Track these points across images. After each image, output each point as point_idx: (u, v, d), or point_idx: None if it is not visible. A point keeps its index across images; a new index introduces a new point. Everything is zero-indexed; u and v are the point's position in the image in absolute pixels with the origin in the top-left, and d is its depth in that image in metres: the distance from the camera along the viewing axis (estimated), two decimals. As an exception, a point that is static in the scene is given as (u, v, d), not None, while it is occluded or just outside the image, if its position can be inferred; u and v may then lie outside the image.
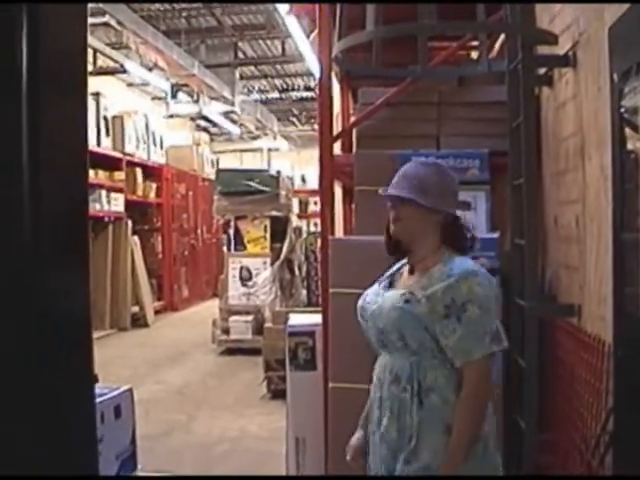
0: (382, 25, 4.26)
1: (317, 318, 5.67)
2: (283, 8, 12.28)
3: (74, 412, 1.59)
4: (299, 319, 6.40)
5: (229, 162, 24.20)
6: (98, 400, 3.80)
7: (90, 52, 14.93)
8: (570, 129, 4.48)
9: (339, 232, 6.58)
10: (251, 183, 12.14)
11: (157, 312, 15.77)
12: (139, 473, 4.65)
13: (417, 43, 4.81)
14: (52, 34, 1.51)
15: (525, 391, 4.46)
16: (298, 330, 5.93)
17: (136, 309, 14.79)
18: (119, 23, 13.06)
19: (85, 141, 1.69)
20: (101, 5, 11.83)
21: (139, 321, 14.75)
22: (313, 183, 18.10)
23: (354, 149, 6.07)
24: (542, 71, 4.95)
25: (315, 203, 19.44)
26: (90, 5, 11.45)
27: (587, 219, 4.15)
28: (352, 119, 6.60)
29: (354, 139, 6.18)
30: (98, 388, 1.90)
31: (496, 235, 4.81)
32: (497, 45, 6.13)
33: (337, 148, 6.06)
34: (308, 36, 12.30)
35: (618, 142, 3.26)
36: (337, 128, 6.36)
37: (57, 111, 1.54)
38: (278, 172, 12.89)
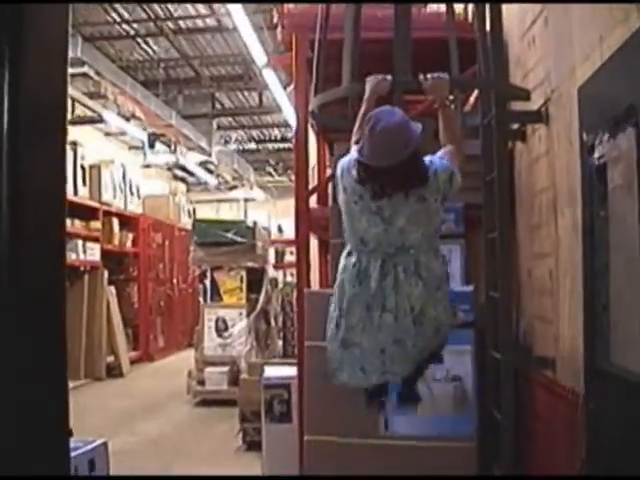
0: (358, 80, 4.32)
1: (293, 370, 5.68)
2: (260, 61, 12.40)
3: (48, 467, 1.59)
4: (275, 371, 6.40)
5: (206, 212, 24.20)
6: (72, 454, 3.78)
7: (68, 102, 14.96)
8: (543, 183, 4.54)
9: (315, 284, 6.60)
10: (227, 234, 12.14)
11: (132, 362, 15.64)
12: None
13: (393, 97, 4.88)
14: (33, 85, 1.53)
15: (501, 443, 4.47)
16: (274, 382, 5.93)
17: (111, 359, 14.66)
18: (97, 73, 13.11)
19: (64, 190, 1.72)
20: (80, 55, 11.87)
21: (114, 371, 14.62)
22: (290, 233, 18.13)
23: (330, 202, 6.12)
24: (515, 126, 5.02)
25: (291, 253, 19.39)
26: (69, 55, 11.51)
27: (560, 272, 4.19)
28: (328, 172, 6.65)
29: (330, 192, 6.22)
30: (73, 442, 1.90)
31: (471, 288, 4.84)
32: (471, 99, 6.22)
33: (313, 200, 6.10)
34: (285, 87, 12.43)
35: (588, 198, 3.32)
36: (313, 180, 6.41)
37: (37, 161, 1.56)
38: (254, 223, 12.90)
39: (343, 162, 3.76)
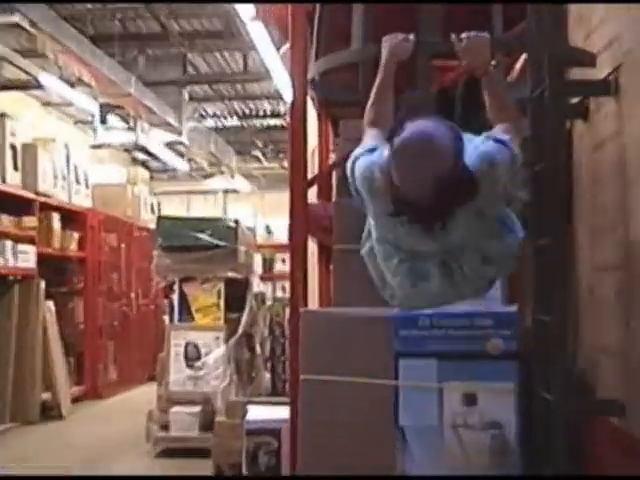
0: (372, 41, 4.33)
1: (284, 412, 5.67)
2: (246, 12, 12.35)
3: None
4: (260, 413, 6.40)
5: (173, 207, 24.26)
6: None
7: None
8: (611, 174, 4.52)
9: (313, 301, 6.59)
10: (202, 236, 12.13)
11: (75, 400, 15.60)
12: None
13: (416, 63, 4.88)
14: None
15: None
16: (259, 427, 5.94)
17: (47, 396, 14.62)
18: (32, 24, 13.04)
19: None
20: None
21: (51, 412, 14.57)
22: (281, 235, 18.14)
23: (334, 197, 6.11)
24: (575, 100, 5.01)
25: (283, 261, 19.47)
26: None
27: (633, 290, 4.18)
28: (332, 157, 6.64)
29: (334, 184, 6.21)
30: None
31: (514, 309, 4.84)
32: (518, 66, 6.21)
33: (312, 194, 6.09)
34: (278, 48, 12.42)
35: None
36: (313, 169, 6.40)
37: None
38: (236, 222, 12.87)
39: (362, 166, 3.84)
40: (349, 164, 4.07)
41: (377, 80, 4.04)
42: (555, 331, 4.54)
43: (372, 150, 3.91)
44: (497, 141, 3.77)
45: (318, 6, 5.31)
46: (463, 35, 3.97)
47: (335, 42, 5.01)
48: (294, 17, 5.81)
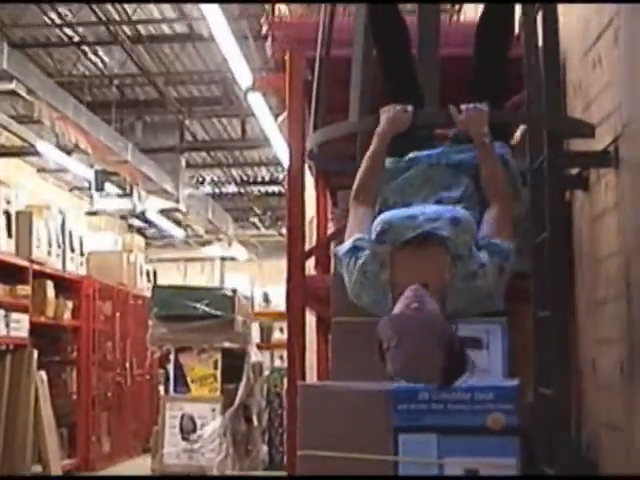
0: (370, 112, 4.36)
1: (281, 488, 5.66)
2: (243, 82, 12.45)
3: None
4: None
5: (170, 275, 24.24)
6: None
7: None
8: (611, 246, 4.53)
9: (311, 373, 6.59)
10: (198, 305, 12.13)
11: (66, 472, 15.52)
12: None
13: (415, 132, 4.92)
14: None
15: None
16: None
17: (38, 468, 14.52)
18: (29, 91, 13.15)
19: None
20: (5, 67, 11.91)
21: (41, 485, 14.50)
22: (279, 304, 18.10)
23: (332, 268, 6.12)
24: (575, 171, 5.03)
25: (281, 330, 19.40)
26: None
27: (635, 363, 4.17)
28: (330, 227, 6.66)
29: (332, 255, 6.23)
30: None
31: (515, 382, 4.83)
32: (517, 136, 6.26)
33: (310, 265, 6.10)
34: (276, 116, 12.50)
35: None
36: (311, 238, 6.42)
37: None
38: (234, 291, 12.89)
39: (349, 280, 3.86)
40: (337, 259, 4.09)
41: (370, 149, 4.05)
42: (557, 405, 4.53)
43: (356, 249, 3.86)
44: (493, 251, 3.77)
45: (315, 78, 5.35)
46: (462, 106, 3.99)
47: (332, 114, 5.04)
48: (291, 88, 5.86)
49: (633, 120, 4.22)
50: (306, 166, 6.24)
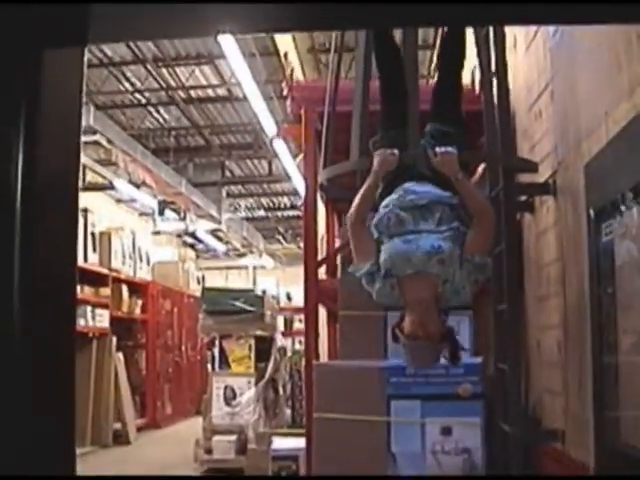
0: (366, 154, 4.35)
1: (301, 442, 5.63)
2: (270, 132, 12.51)
3: None
4: (283, 443, 6.35)
5: (215, 279, 24.20)
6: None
7: (80, 169, 15.09)
8: (551, 255, 4.54)
9: (323, 354, 6.58)
10: (237, 302, 12.12)
11: (139, 429, 15.49)
12: None
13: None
14: (46, 155, 1.56)
15: (510, 519, 4.41)
16: (282, 454, 5.89)
17: (118, 426, 14.53)
18: (109, 141, 13.25)
19: (75, 258, 1.73)
20: (92, 123, 12.01)
21: (121, 438, 14.47)
22: (298, 300, 18.09)
23: (339, 273, 6.13)
24: (523, 198, 5.03)
25: (300, 321, 19.35)
26: (82, 124, 11.66)
27: (569, 344, 4.17)
28: (337, 242, 6.66)
29: (339, 263, 6.23)
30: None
31: (479, 360, 4.82)
32: (479, 170, 6.26)
33: (322, 271, 6.11)
34: (294, 157, 12.54)
35: (595, 275, 3.32)
36: (322, 250, 6.42)
37: (49, 230, 1.58)
38: (263, 292, 12.93)
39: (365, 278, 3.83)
40: (349, 274, 4.11)
41: (366, 183, 4.02)
42: (511, 376, 4.51)
43: (370, 275, 3.79)
44: (472, 269, 3.75)
45: (324, 128, 5.36)
46: (437, 149, 3.96)
47: (338, 153, 5.04)
48: (306, 136, 5.88)
49: (564, 159, 4.23)
50: (318, 195, 6.23)
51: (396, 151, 4.05)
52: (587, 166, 3.50)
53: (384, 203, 3.90)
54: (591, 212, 3.28)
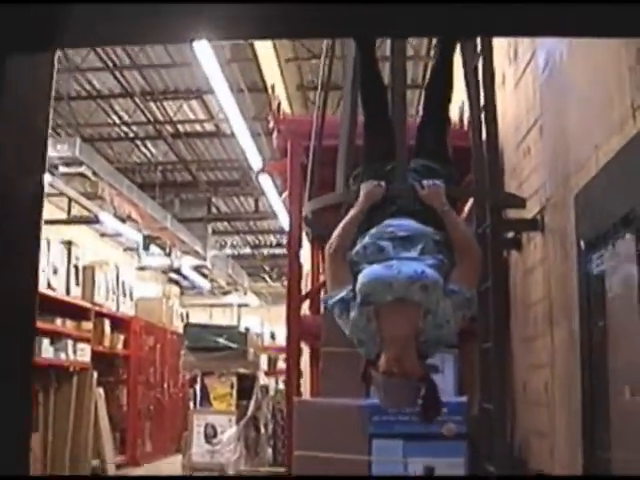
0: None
1: (281, 481, 5.52)
2: (256, 166, 12.48)
3: None
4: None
5: (199, 316, 24.03)
6: None
7: (65, 201, 15.05)
8: (539, 294, 4.47)
9: (306, 393, 6.48)
10: (219, 339, 12.02)
11: (118, 466, 15.26)
12: None
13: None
14: (6, 173, 1.47)
15: None
16: (260, 493, 5.75)
17: (97, 462, 14.32)
18: (94, 174, 13.16)
19: (36, 288, 1.65)
20: (77, 155, 11.92)
21: (99, 475, 14.28)
22: (282, 340, 17.96)
23: (322, 310, 6.03)
24: (510, 235, 4.97)
25: (284, 361, 19.22)
26: (66, 154, 11.61)
27: (556, 384, 4.10)
28: (321, 279, 6.58)
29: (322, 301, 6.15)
30: None
31: (464, 399, 4.74)
32: (466, 208, 6.21)
33: (306, 309, 6.03)
34: (281, 194, 12.47)
35: (586, 308, 3.24)
36: (307, 287, 6.34)
37: (9, 256, 1.49)
38: (247, 329, 12.84)
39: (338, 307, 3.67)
40: (326, 305, 3.94)
41: (350, 214, 3.93)
42: (496, 416, 4.42)
43: (344, 302, 3.60)
44: (458, 303, 3.61)
45: (310, 161, 5.31)
46: (424, 182, 3.89)
47: (323, 189, 4.98)
48: (292, 170, 5.83)
49: (553, 195, 4.17)
50: (303, 232, 6.17)
51: (383, 183, 3.97)
52: (577, 196, 3.43)
53: (360, 239, 3.77)
54: (581, 243, 3.21)
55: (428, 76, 4.84)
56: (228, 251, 23.07)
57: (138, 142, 15.96)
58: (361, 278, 3.55)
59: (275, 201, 14.94)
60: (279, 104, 6.24)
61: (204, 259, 19.86)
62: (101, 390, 14.86)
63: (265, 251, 24.06)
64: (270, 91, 7.83)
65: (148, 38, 2.16)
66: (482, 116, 4.64)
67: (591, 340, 3.18)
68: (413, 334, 3.45)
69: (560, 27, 1.48)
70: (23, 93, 1.52)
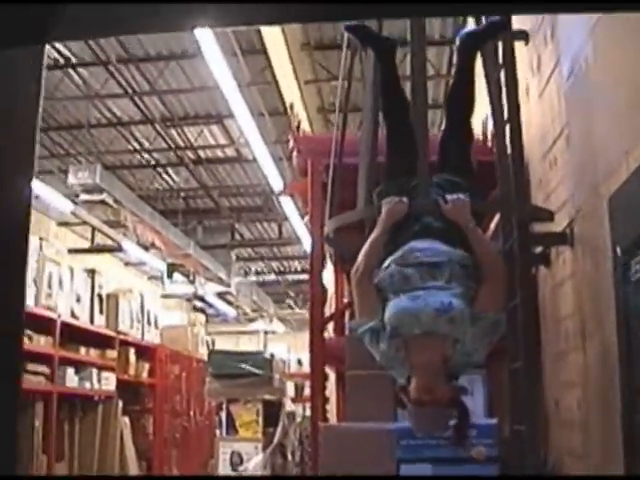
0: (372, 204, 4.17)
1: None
2: (277, 188, 12.43)
3: None
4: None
5: (225, 343, 23.92)
6: None
7: (88, 229, 15.07)
8: (569, 309, 4.34)
9: (333, 419, 6.37)
10: (244, 365, 11.88)
11: (145, 497, 15.20)
12: None
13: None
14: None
15: None
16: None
17: (123, 491, 14.25)
18: (116, 201, 13.13)
19: (22, 307, 1.53)
20: (98, 182, 11.89)
21: (126, 507, 14.18)
22: (309, 367, 17.84)
23: (347, 332, 5.93)
24: (539, 249, 4.84)
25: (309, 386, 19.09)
26: (87, 181, 11.59)
27: (591, 402, 3.96)
28: (345, 300, 6.49)
29: (347, 322, 6.05)
30: None
31: (494, 421, 4.60)
32: (492, 225, 6.08)
33: (331, 331, 5.94)
34: (303, 217, 12.40)
35: (624, 318, 3.08)
36: (331, 309, 6.24)
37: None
38: (272, 355, 12.70)
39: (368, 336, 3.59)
40: (353, 331, 3.87)
41: (373, 234, 3.82)
42: (528, 438, 4.29)
43: (373, 332, 3.55)
44: (485, 328, 3.50)
45: (330, 180, 5.22)
46: (447, 197, 3.76)
47: (344, 208, 4.87)
48: (313, 189, 5.75)
49: (582, 206, 4.04)
50: (327, 252, 6.08)
51: (405, 199, 3.85)
52: (612, 199, 3.28)
53: (385, 264, 3.67)
54: (618, 250, 3.06)
55: (449, 88, 4.72)
56: (253, 278, 23.02)
57: (160, 169, 15.97)
58: (389, 311, 3.50)
59: (298, 226, 14.89)
60: (299, 122, 6.16)
61: (228, 285, 19.81)
62: (127, 419, 14.77)
63: (290, 277, 23.99)
64: (289, 109, 7.74)
65: (145, 27, 2.05)
66: (506, 128, 4.53)
67: (631, 352, 3.02)
68: (442, 363, 3.40)
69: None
70: (11, 89, 1.42)
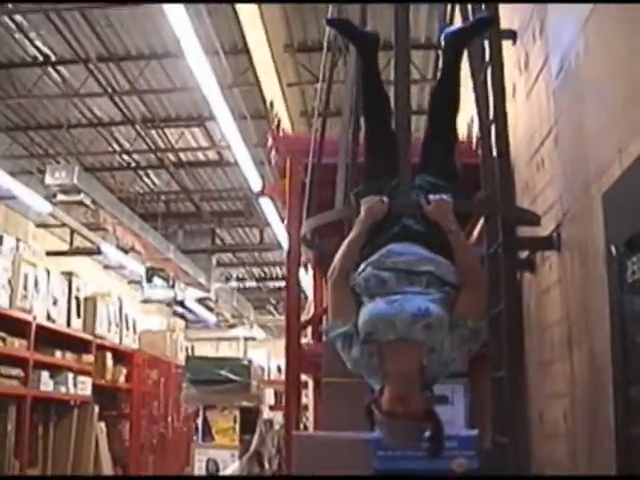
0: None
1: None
2: (255, 189, 12.35)
3: None
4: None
5: (205, 350, 23.80)
6: None
7: (67, 232, 14.89)
8: (555, 316, 4.19)
9: (310, 428, 6.23)
10: (222, 371, 11.71)
11: (121, 503, 15.00)
12: None
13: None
14: None
15: None
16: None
17: (97, 498, 14.03)
18: (94, 202, 12.94)
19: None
20: (76, 182, 11.69)
21: (100, 514, 13.96)
22: (289, 373, 17.70)
23: (324, 337, 5.75)
24: (524, 255, 4.67)
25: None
26: (64, 181, 11.39)
27: (577, 413, 3.80)
28: (324, 304, 6.32)
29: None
30: None
31: (475, 432, 4.42)
32: (476, 231, 5.91)
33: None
34: (283, 220, 12.24)
35: (618, 322, 2.89)
36: (309, 314, 6.08)
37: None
38: (250, 361, 12.55)
39: (340, 341, 3.43)
40: (327, 335, 3.66)
41: (352, 234, 3.64)
42: (511, 450, 4.11)
43: (346, 336, 3.39)
44: (464, 336, 3.32)
45: (308, 179, 5.08)
46: (430, 197, 3.58)
47: (322, 209, 4.70)
48: (291, 189, 5.61)
49: (570, 208, 3.87)
50: (304, 255, 5.92)
51: (385, 198, 3.66)
52: (606, 194, 3.09)
53: (362, 266, 3.50)
54: (612, 249, 2.86)
55: (434, 87, 4.54)
56: (233, 284, 22.92)
57: (140, 171, 15.84)
58: (363, 315, 3.35)
59: (280, 232, 14.75)
60: (279, 121, 6.00)
61: (208, 291, 19.69)
62: (102, 424, 14.57)
63: (271, 284, 23.92)
64: (269, 107, 7.58)
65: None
66: (492, 129, 4.35)
67: (627, 358, 2.83)
68: (417, 372, 3.24)
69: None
70: None
